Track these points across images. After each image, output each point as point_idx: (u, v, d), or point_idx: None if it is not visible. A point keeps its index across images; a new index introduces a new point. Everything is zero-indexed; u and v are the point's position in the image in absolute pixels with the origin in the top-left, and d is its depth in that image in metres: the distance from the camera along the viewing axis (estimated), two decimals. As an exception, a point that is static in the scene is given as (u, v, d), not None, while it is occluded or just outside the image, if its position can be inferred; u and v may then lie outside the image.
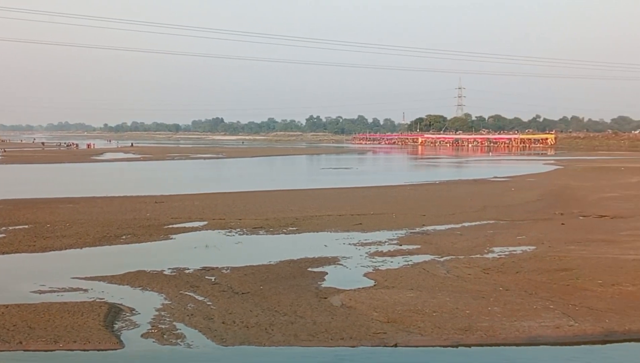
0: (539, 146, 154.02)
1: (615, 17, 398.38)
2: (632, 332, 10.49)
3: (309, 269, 15.20)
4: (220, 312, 11.55)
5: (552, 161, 76.03)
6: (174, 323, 11.01)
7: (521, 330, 10.51)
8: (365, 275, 14.61)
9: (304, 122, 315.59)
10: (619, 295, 12.56)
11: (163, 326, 10.82)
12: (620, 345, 10.14)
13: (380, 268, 15.32)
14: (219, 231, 21.24)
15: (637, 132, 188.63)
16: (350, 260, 16.27)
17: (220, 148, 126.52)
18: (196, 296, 12.66)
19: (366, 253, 17.30)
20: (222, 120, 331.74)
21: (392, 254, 17.06)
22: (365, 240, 19.46)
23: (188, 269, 15.12)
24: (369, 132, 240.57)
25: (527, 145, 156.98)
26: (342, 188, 37.41)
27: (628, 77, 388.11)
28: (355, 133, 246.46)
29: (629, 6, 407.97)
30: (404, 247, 18.11)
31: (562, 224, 22.57)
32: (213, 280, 14.06)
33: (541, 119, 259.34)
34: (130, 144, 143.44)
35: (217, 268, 15.21)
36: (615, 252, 16.83)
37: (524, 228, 21.62)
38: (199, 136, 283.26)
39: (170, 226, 22.18)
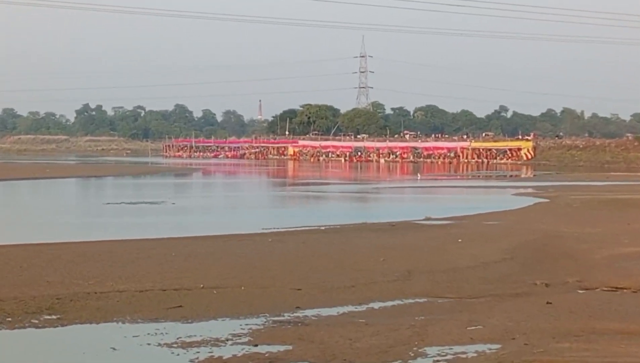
0: (505, 164, 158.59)
1: None
2: None
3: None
4: None
5: (529, 189, 78.38)
6: None
7: None
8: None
9: (72, 117, 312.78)
10: None
11: None
12: None
13: (217, 390, 15.30)
14: None
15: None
16: (160, 377, 16.18)
17: None
18: None
19: (190, 362, 17.20)
20: None
21: (239, 364, 17.05)
22: (190, 336, 19.32)
23: None
24: (196, 137, 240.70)
25: (486, 160, 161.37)
26: (145, 240, 37.14)
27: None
28: (169, 137, 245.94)
29: None
30: (262, 349, 18.10)
31: (548, 303, 23.21)
32: None
33: (509, 114, 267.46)
34: None
35: None
36: (641, 354, 17.40)
37: (479, 312, 22.10)
38: None
39: None
